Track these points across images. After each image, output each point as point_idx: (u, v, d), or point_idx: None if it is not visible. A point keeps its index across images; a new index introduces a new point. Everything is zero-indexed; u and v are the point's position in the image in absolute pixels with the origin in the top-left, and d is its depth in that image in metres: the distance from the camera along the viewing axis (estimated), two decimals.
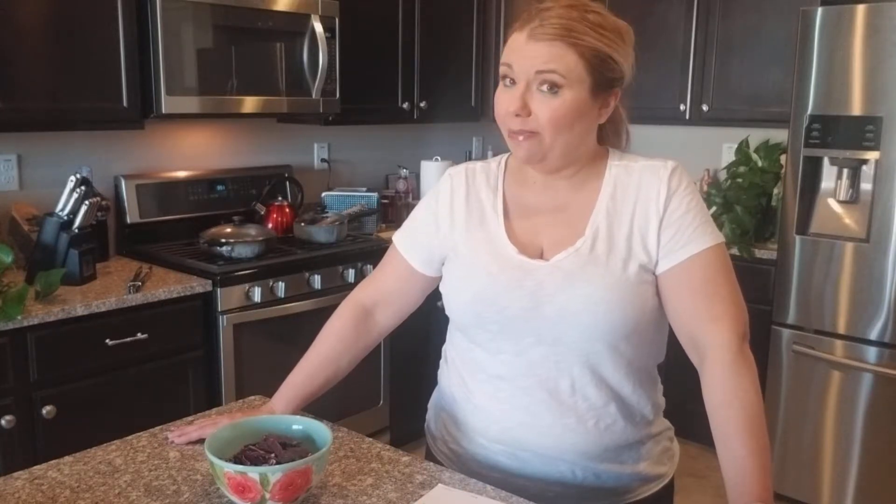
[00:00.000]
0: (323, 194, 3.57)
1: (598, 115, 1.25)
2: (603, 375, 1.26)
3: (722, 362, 1.18)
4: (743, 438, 1.14)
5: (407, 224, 1.43)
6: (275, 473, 1.08)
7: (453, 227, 1.34)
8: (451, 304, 1.33)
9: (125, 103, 2.65)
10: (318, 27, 3.06)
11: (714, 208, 3.40)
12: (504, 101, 1.22)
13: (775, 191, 3.44)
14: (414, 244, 1.40)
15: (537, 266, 1.25)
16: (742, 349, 1.19)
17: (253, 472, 1.08)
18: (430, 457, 1.45)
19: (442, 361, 1.46)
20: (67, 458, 1.30)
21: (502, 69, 1.22)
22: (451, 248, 1.34)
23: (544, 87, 1.18)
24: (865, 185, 2.91)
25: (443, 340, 1.46)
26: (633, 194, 1.26)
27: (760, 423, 1.16)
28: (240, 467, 1.10)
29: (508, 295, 1.25)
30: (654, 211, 1.23)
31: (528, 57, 1.18)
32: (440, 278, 1.38)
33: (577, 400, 1.26)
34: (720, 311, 1.20)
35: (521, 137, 1.21)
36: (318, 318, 1.49)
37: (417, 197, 3.89)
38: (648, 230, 1.23)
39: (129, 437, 1.38)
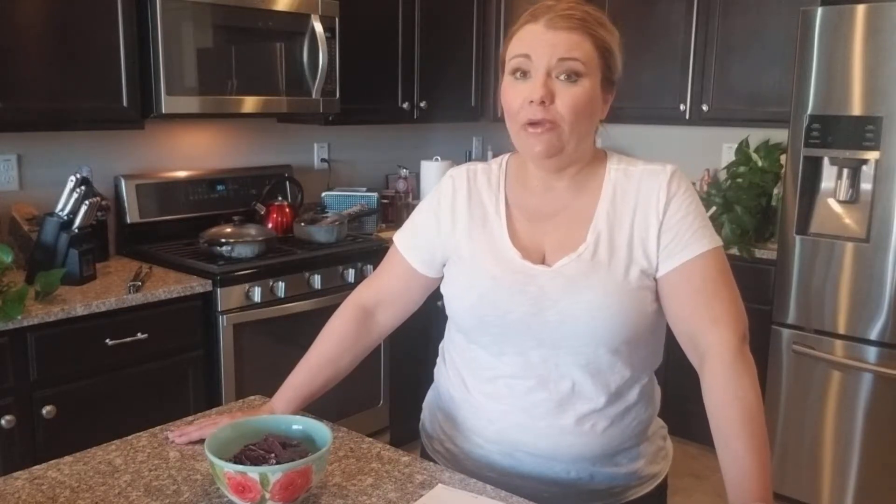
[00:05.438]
0: (323, 194, 3.57)
1: (602, 112, 1.26)
2: (603, 379, 1.26)
3: (722, 363, 1.18)
4: (743, 438, 1.14)
5: (408, 225, 1.42)
6: (275, 473, 1.08)
7: (455, 229, 1.34)
8: (454, 306, 1.33)
9: (125, 103, 2.65)
10: (318, 27, 3.06)
11: (714, 208, 3.40)
12: (521, 92, 1.20)
13: (775, 191, 3.44)
14: (415, 245, 1.39)
15: (540, 271, 1.25)
16: (742, 350, 1.20)
17: (253, 472, 1.08)
18: (424, 456, 1.45)
19: (439, 360, 1.46)
20: (67, 458, 1.30)
21: (516, 61, 1.21)
22: (453, 250, 1.33)
23: (564, 76, 1.18)
24: (865, 185, 2.91)
25: (442, 340, 1.46)
26: (632, 199, 1.26)
27: (760, 423, 1.16)
28: (240, 467, 1.09)
29: (511, 300, 1.24)
30: (653, 215, 1.24)
31: (550, 45, 1.18)
32: (441, 279, 1.38)
33: (575, 403, 1.26)
34: (720, 313, 1.21)
35: (539, 129, 1.20)
36: (318, 318, 1.49)
37: (417, 197, 3.89)
38: (648, 234, 1.24)
39: (129, 437, 1.38)
